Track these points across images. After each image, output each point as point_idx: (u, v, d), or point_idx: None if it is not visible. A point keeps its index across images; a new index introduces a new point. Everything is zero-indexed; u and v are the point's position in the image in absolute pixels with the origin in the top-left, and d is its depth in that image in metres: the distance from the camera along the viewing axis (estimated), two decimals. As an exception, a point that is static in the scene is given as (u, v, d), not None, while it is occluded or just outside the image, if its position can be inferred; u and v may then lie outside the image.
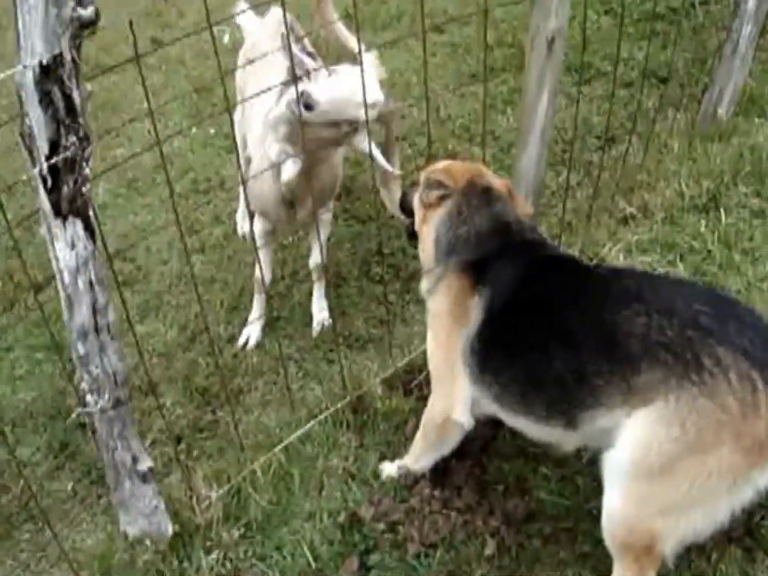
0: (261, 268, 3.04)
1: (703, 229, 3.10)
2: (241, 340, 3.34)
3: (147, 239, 4.10)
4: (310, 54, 3.18)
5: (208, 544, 2.28)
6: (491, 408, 2.11)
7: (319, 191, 2.95)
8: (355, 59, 2.57)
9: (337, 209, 4.06)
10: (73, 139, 1.83)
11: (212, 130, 5.19)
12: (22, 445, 2.96)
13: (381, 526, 2.25)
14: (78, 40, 1.80)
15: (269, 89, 2.45)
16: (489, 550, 2.12)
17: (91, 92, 1.94)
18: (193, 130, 5.11)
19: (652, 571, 1.81)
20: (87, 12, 1.79)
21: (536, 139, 3.07)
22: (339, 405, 2.66)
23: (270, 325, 3.37)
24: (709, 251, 2.99)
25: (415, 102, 4.87)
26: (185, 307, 3.58)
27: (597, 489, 2.17)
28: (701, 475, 1.65)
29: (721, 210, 3.14)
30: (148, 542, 2.25)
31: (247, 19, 3.86)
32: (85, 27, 1.80)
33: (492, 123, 4.47)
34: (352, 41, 3.13)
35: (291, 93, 2.50)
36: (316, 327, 3.36)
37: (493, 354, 2.04)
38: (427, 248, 2.29)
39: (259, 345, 3.31)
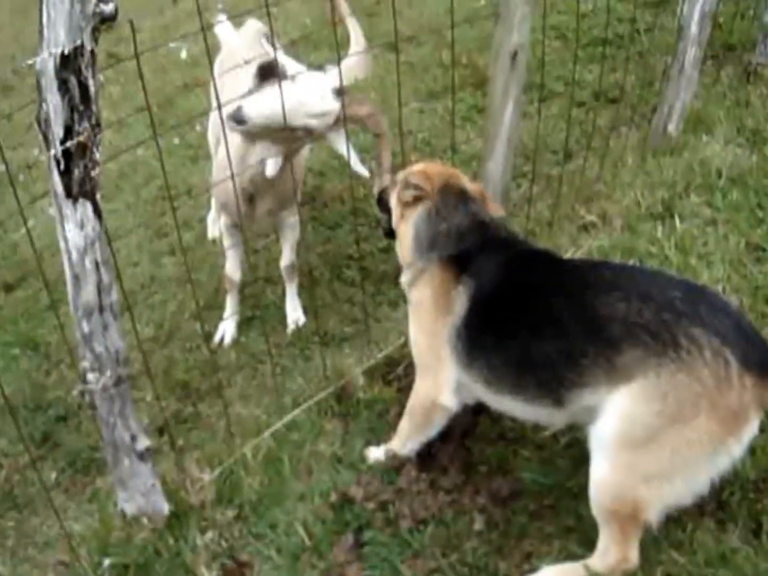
0: (230, 268, 3.15)
1: (659, 235, 3.26)
2: (217, 337, 3.38)
3: (116, 242, 4.09)
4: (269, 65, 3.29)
5: (203, 524, 2.31)
6: (478, 391, 2.20)
7: (280, 190, 3.05)
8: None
9: (306, 216, 4.15)
10: (86, 125, 1.90)
11: (176, 140, 5.22)
12: (2, 436, 2.93)
13: (372, 505, 2.30)
14: (97, 33, 1.88)
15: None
16: (478, 526, 2.21)
17: (104, 83, 2.00)
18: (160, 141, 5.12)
19: (635, 538, 1.91)
20: (108, 8, 1.88)
21: (503, 146, 3.21)
22: (323, 394, 2.73)
23: (246, 324, 3.42)
24: (666, 256, 3.15)
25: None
26: (159, 306, 3.61)
27: (575, 469, 2.31)
28: (682, 445, 1.77)
29: (676, 218, 3.32)
30: (145, 520, 2.27)
31: (223, 29, 3.93)
32: (104, 21, 1.89)
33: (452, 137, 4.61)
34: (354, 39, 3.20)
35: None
36: (290, 325, 3.43)
37: (483, 340, 2.13)
38: (406, 244, 2.36)
39: (235, 342, 3.36)
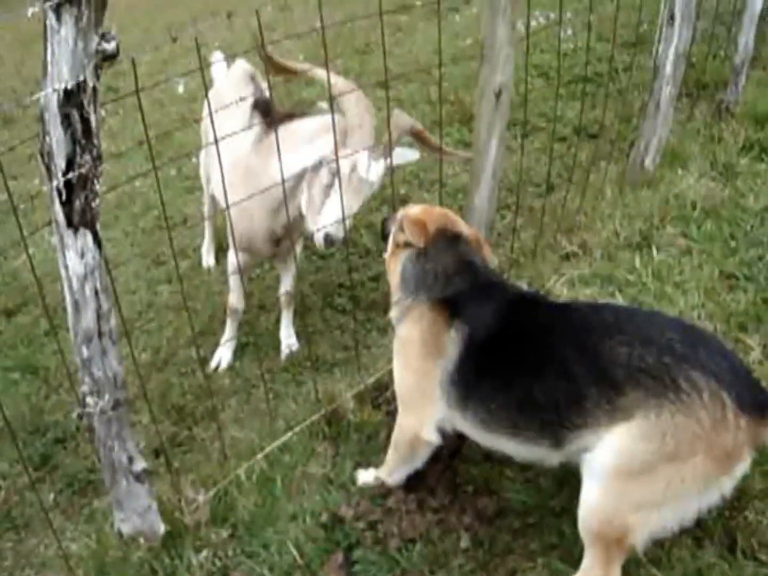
0: (235, 298, 3.19)
1: (637, 264, 3.32)
2: (213, 363, 3.40)
3: (114, 270, 4.13)
4: (264, 101, 3.37)
5: (198, 543, 2.32)
6: (469, 431, 2.19)
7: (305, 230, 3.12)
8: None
9: (300, 247, 4.20)
10: (87, 158, 1.92)
11: (173, 172, 5.28)
12: (1, 459, 2.94)
13: (361, 524, 2.32)
14: (99, 70, 1.93)
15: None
16: (464, 544, 2.23)
17: (105, 118, 2.05)
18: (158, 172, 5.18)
19: (620, 560, 1.92)
20: (110, 46, 1.91)
21: (488, 180, 3.28)
22: (314, 417, 2.75)
23: (240, 350, 3.45)
24: (644, 284, 3.21)
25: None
26: (156, 332, 3.63)
27: (558, 489, 2.34)
28: (676, 479, 1.79)
29: (653, 248, 3.39)
30: (141, 540, 2.28)
31: (218, 69, 4.00)
32: (107, 59, 1.94)
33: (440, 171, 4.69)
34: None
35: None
36: (284, 351, 3.46)
37: (480, 384, 2.10)
38: (394, 280, 2.37)
39: (230, 367, 3.39)
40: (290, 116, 3.21)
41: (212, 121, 2.35)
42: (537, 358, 2.03)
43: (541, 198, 4.03)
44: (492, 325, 2.11)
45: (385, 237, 2.60)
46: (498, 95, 3.05)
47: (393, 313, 2.37)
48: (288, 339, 3.49)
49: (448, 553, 2.22)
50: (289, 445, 2.67)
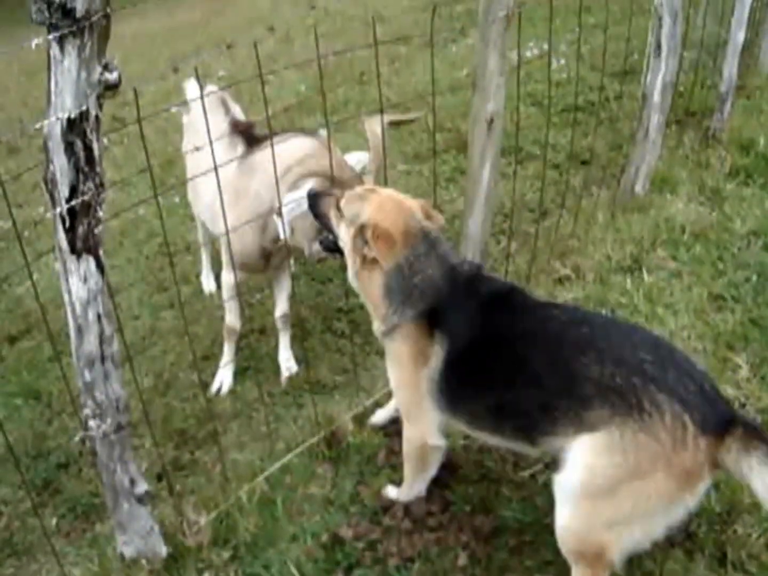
0: (232, 318, 3.21)
1: (629, 287, 3.36)
2: (214, 386, 3.41)
3: (118, 295, 4.16)
4: (238, 123, 3.42)
5: (200, 565, 2.33)
6: (462, 428, 2.29)
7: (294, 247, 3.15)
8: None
9: (299, 271, 4.23)
10: (90, 185, 1.94)
11: (176, 199, 5.33)
12: (3, 484, 2.94)
13: (361, 544, 2.34)
14: (102, 99, 1.96)
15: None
16: (462, 562, 2.24)
17: (108, 145, 2.08)
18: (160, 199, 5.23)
19: (606, 573, 1.95)
20: (113, 76, 1.94)
21: (481, 206, 3.32)
22: (314, 439, 2.76)
23: (241, 373, 3.47)
24: (636, 306, 3.24)
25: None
26: (159, 357, 3.65)
27: (553, 507, 2.34)
28: (641, 497, 1.82)
29: (644, 271, 3.43)
30: (143, 562, 2.29)
31: (191, 91, 3.90)
32: (109, 89, 1.97)
33: (437, 197, 4.74)
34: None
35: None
36: (284, 373, 3.48)
37: (462, 389, 2.16)
38: (375, 297, 2.26)
39: (231, 391, 3.40)
40: (267, 136, 3.26)
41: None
42: (512, 367, 2.06)
43: (535, 223, 4.06)
44: (470, 332, 2.12)
45: (322, 222, 2.44)
46: (490, 123, 3.09)
47: (376, 328, 2.32)
48: (287, 361, 3.51)
49: (447, 572, 2.23)
50: (290, 467, 2.68)
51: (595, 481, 1.86)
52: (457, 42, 7.97)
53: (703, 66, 4.94)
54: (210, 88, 3.78)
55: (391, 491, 2.52)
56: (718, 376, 2.75)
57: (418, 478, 2.44)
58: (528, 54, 6.17)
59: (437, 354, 2.15)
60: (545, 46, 6.52)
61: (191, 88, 3.87)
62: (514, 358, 2.07)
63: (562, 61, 6.24)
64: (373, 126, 3.02)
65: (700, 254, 3.48)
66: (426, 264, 2.18)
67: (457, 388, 2.16)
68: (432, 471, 2.43)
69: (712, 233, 3.62)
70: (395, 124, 3.25)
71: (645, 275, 3.41)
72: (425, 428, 2.28)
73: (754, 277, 3.26)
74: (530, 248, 3.72)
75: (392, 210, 2.25)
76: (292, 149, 2.98)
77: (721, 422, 1.81)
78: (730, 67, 4.66)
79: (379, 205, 2.27)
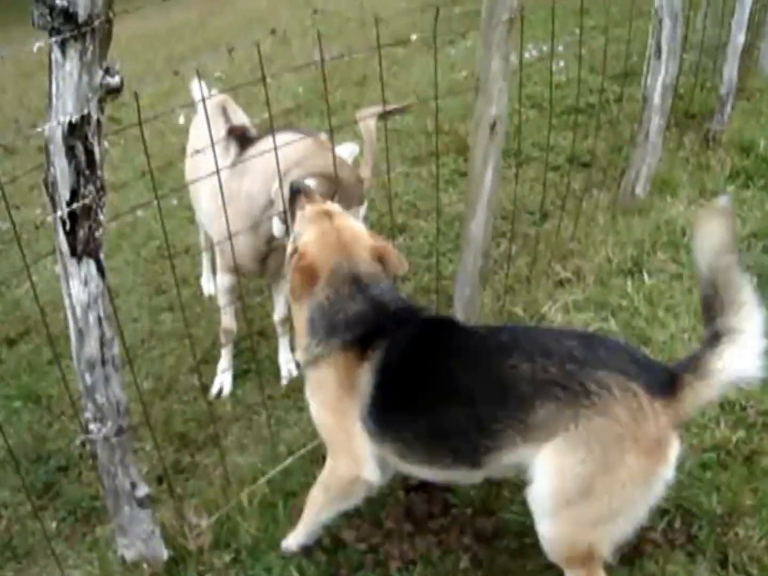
0: (227, 320, 3.24)
1: (629, 289, 3.38)
2: (214, 390, 3.43)
3: (116, 298, 4.18)
4: (239, 127, 3.44)
5: (201, 568, 2.35)
6: (393, 463, 2.16)
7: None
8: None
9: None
10: (91, 188, 1.96)
11: (174, 201, 5.34)
12: (2, 487, 2.95)
13: (363, 547, 2.36)
14: (103, 103, 1.97)
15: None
16: (464, 564, 2.26)
17: (108, 149, 2.09)
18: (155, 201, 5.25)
19: (599, 568, 1.94)
20: (114, 80, 1.96)
21: (483, 209, 3.33)
22: (315, 442, 2.77)
23: (241, 376, 3.48)
24: (636, 308, 3.27)
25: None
26: (158, 360, 3.67)
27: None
28: (616, 487, 1.78)
29: (644, 273, 3.46)
30: (144, 566, 2.30)
31: (197, 92, 3.95)
32: (110, 93, 1.98)
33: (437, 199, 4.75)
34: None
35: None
36: (284, 375, 3.49)
37: (392, 416, 2.08)
38: (299, 323, 2.23)
39: (232, 394, 3.41)
40: (259, 137, 3.28)
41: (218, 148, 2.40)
42: (441, 387, 2.01)
43: (536, 226, 4.09)
44: (399, 358, 2.07)
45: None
46: (493, 127, 3.10)
47: (301, 357, 2.25)
48: (287, 363, 3.52)
49: (448, 574, 2.25)
50: (291, 470, 2.69)
51: (567, 485, 1.82)
52: (456, 44, 8.00)
53: (704, 68, 4.97)
54: (214, 93, 3.79)
55: (290, 542, 2.38)
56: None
57: (331, 508, 2.27)
58: (527, 56, 6.19)
59: (366, 378, 2.07)
60: (544, 48, 6.56)
61: (196, 89, 3.88)
62: (442, 378, 2.02)
63: (562, 63, 6.26)
64: (367, 118, 3.03)
65: (701, 257, 3.50)
66: (350, 305, 2.12)
67: (387, 414, 2.08)
68: (349, 506, 2.27)
69: (712, 236, 3.64)
70: (388, 114, 3.24)
71: (646, 277, 3.44)
72: (359, 459, 2.13)
73: (755, 279, 3.25)
74: (531, 251, 3.74)
75: (330, 245, 2.18)
76: (289, 150, 2.99)
77: (665, 381, 1.81)
78: (730, 70, 4.70)
79: (321, 236, 2.20)
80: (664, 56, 3.94)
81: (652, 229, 3.77)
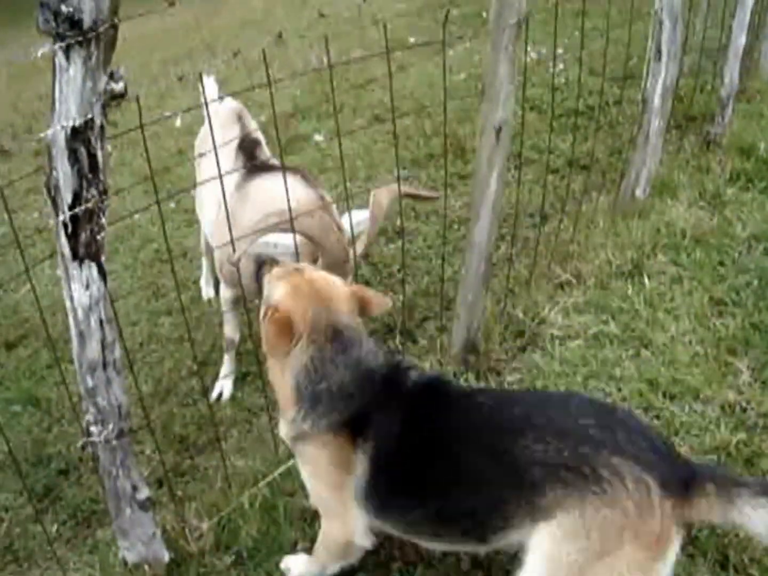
0: (230, 330, 3.26)
1: (630, 292, 3.42)
2: (214, 393, 3.46)
3: (115, 302, 4.20)
4: (255, 140, 3.47)
5: (202, 570, 2.38)
6: (395, 533, 2.13)
7: None
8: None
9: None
10: (93, 192, 1.98)
11: (172, 204, 5.38)
12: (3, 490, 2.99)
13: (362, 549, 2.39)
14: (107, 108, 2.01)
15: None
16: (465, 566, 2.29)
17: (111, 153, 2.13)
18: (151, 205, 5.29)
19: None
20: (118, 86, 1.98)
21: (488, 214, 3.35)
22: (316, 445, 2.81)
23: (241, 379, 3.52)
24: (637, 311, 3.30)
25: (362, 183, 5.20)
26: (157, 364, 3.70)
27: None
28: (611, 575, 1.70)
29: (645, 276, 3.49)
30: (146, 568, 2.33)
31: (208, 87, 3.94)
32: (114, 98, 2.02)
33: (436, 203, 4.79)
34: None
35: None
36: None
37: (394, 498, 2.01)
38: (281, 394, 2.09)
39: (232, 397, 3.45)
40: (270, 167, 3.31)
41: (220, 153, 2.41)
42: (448, 467, 1.90)
43: (535, 228, 4.12)
44: (396, 436, 1.96)
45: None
46: (498, 131, 3.12)
47: (285, 432, 2.13)
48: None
49: (450, 575, 2.27)
50: (291, 473, 2.72)
51: (559, 572, 1.73)
52: (454, 46, 8.04)
53: (704, 70, 5.01)
54: (227, 100, 3.81)
55: (293, 565, 2.36)
56: (720, 381, 2.82)
57: (334, 563, 2.25)
58: (527, 59, 6.23)
59: (361, 462, 1.97)
60: (543, 51, 6.61)
61: (210, 87, 3.89)
62: (448, 458, 1.90)
63: (561, 66, 6.32)
64: (381, 198, 2.92)
65: (701, 259, 3.54)
66: (335, 369, 1.98)
67: (388, 497, 2.01)
68: (352, 560, 2.24)
69: (712, 238, 3.69)
70: (409, 197, 3.22)
71: (646, 280, 3.47)
72: (352, 527, 2.08)
73: (755, 282, 3.32)
74: (531, 253, 3.78)
75: (305, 295, 2.02)
76: (291, 200, 2.72)
77: (684, 480, 1.72)
78: (731, 72, 4.73)
79: (294, 288, 2.05)
80: (664, 58, 3.98)
81: (652, 231, 3.81)
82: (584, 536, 1.70)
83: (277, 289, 2.07)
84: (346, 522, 2.08)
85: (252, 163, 3.36)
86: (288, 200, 2.55)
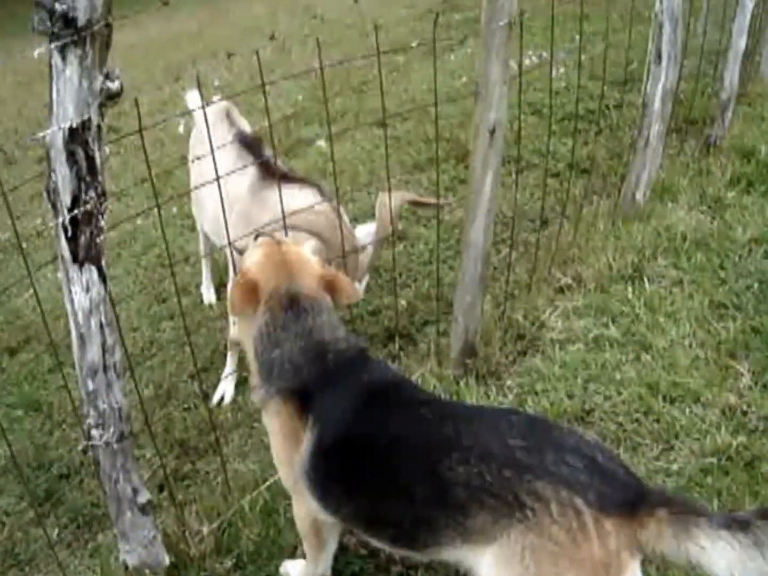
0: (235, 330, 3.26)
1: (630, 295, 3.41)
2: (216, 397, 3.47)
3: (116, 306, 4.21)
4: (249, 136, 3.47)
5: (203, 574, 2.38)
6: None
7: None
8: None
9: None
10: (92, 194, 1.99)
11: (174, 209, 5.40)
12: (4, 495, 2.99)
13: (364, 552, 2.39)
14: (103, 108, 2.01)
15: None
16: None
17: (109, 155, 2.13)
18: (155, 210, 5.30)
19: None
20: (114, 85, 1.98)
21: (483, 215, 3.36)
22: (316, 449, 2.81)
23: (242, 384, 3.52)
24: (637, 314, 3.30)
25: (363, 187, 5.20)
26: (159, 368, 3.71)
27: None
28: None
29: (645, 279, 3.49)
30: (146, 571, 2.33)
31: (192, 102, 3.96)
32: (111, 98, 2.02)
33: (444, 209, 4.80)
34: None
35: None
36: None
37: (331, 486, 1.98)
38: (249, 358, 2.13)
39: (233, 401, 3.45)
40: (288, 178, 3.29)
41: (220, 156, 2.41)
42: (382, 473, 1.88)
43: (536, 232, 4.12)
44: (338, 423, 1.93)
45: None
46: (492, 132, 3.13)
47: (254, 398, 2.17)
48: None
49: (450, 578, 2.27)
50: (292, 477, 2.72)
51: None
52: (455, 50, 8.06)
53: (704, 74, 5.01)
54: (216, 100, 3.83)
55: (291, 569, 2.37)
56: (720, 385, 2.81)
57: (320, 554, 2.24)
58: (527, 62, 6.24)
59: (306, 440, 1.95)
60: (544, 54, 6.61)
61: (192, 98, 3.92)
62: (384, 464, 1.88)
63: (561, 70, 6.32)
64: (388, 202, 2.99)
65: (701, 262, 3.54)
66: (286, 336, 1.99)
67: (325, 483, 1.98)
68: (332, 547, 2.25)
69: (713, 241, 3.68)
70: (414, 205, 3.26)
71: (646, 284, 3.47)
72: (312, 504, 2.04)
73: (756, 285, 3.32)
74: (531, 257, 3.77)
75: (274, 265, 2.08)
76: (307, 213, 2.88)
77: (629, 501, 1.60)
78: (731, 75, 4.73)
79: (265, 256, 2.12)
80: (664, 62, 3.98)
81: (653, 235, 3.81)
82: (519, 564, 1.61)
83: (251, 256, 2.16)
84: (307, 500, 2.04)
85: (265, 164, 3.31)
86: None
